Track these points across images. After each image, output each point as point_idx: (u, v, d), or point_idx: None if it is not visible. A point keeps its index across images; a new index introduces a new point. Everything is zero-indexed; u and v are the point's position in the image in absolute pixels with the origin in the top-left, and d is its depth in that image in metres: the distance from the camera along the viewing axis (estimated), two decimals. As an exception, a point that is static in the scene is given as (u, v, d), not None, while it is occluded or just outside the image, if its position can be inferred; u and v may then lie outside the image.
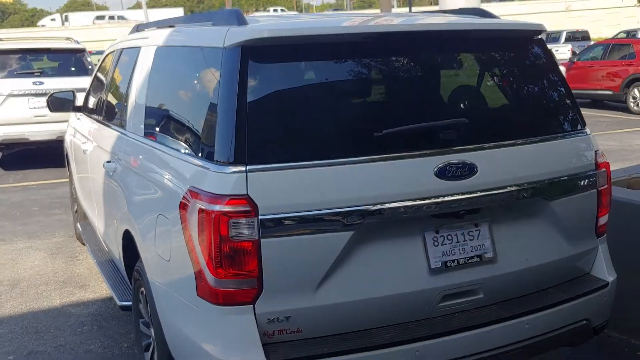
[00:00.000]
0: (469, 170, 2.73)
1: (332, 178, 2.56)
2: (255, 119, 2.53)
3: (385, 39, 2.80)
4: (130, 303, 3.72)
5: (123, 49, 4.43)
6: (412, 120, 2.76)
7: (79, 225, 5.79)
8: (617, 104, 15.65)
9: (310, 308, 2.58)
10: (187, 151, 2.89)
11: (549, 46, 3.74)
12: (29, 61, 10.31)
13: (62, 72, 10.22)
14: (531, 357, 3.09)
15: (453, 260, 2.76)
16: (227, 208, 2.45)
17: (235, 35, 2.66)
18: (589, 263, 3.18)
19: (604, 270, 3.17)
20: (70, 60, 10.32)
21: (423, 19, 3.47)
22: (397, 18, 3.37)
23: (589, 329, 3.08)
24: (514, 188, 2.83)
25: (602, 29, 44.91)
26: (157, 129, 3.38)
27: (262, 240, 2.48)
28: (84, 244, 5.70)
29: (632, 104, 15.06)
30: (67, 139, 6.00)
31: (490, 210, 2.84)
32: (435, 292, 2.74)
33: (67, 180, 6.47)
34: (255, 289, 2.51)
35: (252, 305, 2.52)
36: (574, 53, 22.02)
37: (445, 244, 2.76)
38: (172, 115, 3.33)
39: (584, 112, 3.29)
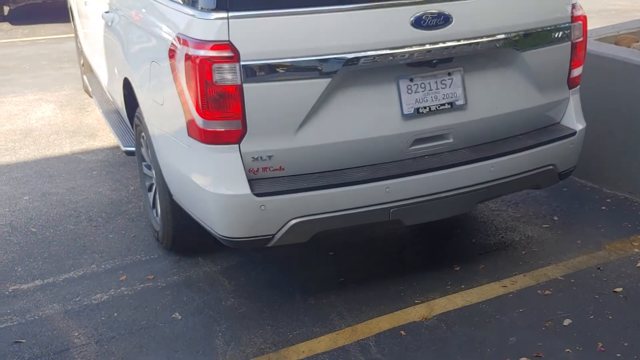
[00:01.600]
0: (444, 20, 2.86)
1: (312, 26, 2.71)
2: (238, -35, 2.64)
3: None
4: (133, 148, 3.99)
5: None
6: (391, -31, 2.86)
7: (85, 78, 5.99)
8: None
9: (291, 149, 2.83)
10: (178, 0, 3.02)
11: None
12: None
13: None
14: (496, 196, 3.37)
15: (425, 107, 2.96)
16: (210, 53, 2.63)
17: None
18: (559, 113, 3.37)
19: (574, 119, 3.37)
20: None
21: None
22: None
23: (554, 174, 3.33)
24: (487, 38, 2.97)
25: None
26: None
27: (244, 85, 2.67)
28: (91, 96, 5.93)
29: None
30: (70, -8, 6.06)
31: (463, 60, 2.99)
32: (407, 136, 2.96)
33: (73, 35, 6.59)
34: (240, 130, 2.74)
35: (237, 145, 2.77)
36: None
37: (419, 92, 2.95)
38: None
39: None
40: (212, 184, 2.83)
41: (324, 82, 2.75)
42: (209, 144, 2.78)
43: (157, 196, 3.58)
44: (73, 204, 4.31)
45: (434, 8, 2.84)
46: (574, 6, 3.20)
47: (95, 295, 3.33)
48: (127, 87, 3.72)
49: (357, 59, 2.76)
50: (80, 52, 6.20)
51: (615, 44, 4.40)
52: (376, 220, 2.97)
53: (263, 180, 2.85)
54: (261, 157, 2.81)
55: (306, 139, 2.82)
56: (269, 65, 2.68)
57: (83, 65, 6.17)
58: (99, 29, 4.44)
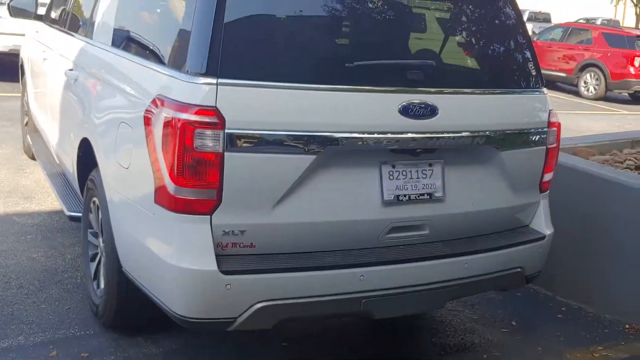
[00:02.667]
0: (430, 111, 2.84)
1: (301, 102, 2.62)
2: (232, 33, 2.56)
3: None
4: (79, 214, 3.73)
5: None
6: (383, 56, 2.84)
7: (29, 138, 5.69)
8: (569, 86, 16.10)
9: (266, 225, 2.67)
10: (156, 60, 2.90)
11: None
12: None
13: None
14: (467, 295, 3.27)
15: (405, 195, 2.88)
16: (194, 118, 2.49)
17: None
18: (529, 215, 3.35)
19: (543, 223, 3.36)
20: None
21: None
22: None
23: (521, 277, 3.27)
24: (469, 134, 2.96)
25: (565, 14, 45.66)
26: (126, 38, 3.37)
27: (226, 153, 2.53)
28: (32, 158, 5.62)
29: (582, 89, 15.53)
30: (24, 49, 5.85)
31: (445, 152, 2.96)
32: (385, 223, 2.86)
33: (17, 94, 6.32)
34: (214, 200, 2.57)
35: (209, 216, 2.59)
36: (533, 33, 22.39)
37: (400, 179, 2.87)
38: (143, 24, 3.31)
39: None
40: (174, 256, 2.62)
41: (308, 159, 2.64)
42: (178, 213, 2.59)
43: (102, 266, 3.31)
44: (2, 268, 3.96)
45: (422, 98, 2.81)
46: (550, 112, 3.26)
47: (22, 372, 2.98)
48: (84, 147, 3.50)
49: (344, 139, 2.68)
50: (25, 112, 5.92)
51: (573, 154, 4.52)
52: (347, 310, 2.81)
53: (232, 257, 2.66)
54: (233, 232, 2.63)
55: (282, 216, 2.67)
56: (253, 136, 2.56)
57: (27, 125, 5.88)
58: (57, 86, 4.24)
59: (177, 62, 2.69)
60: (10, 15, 5.32)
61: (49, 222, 4.73)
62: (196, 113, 2.49)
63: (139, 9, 3.44)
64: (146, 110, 2.72)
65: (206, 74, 2.52)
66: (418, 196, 2.91)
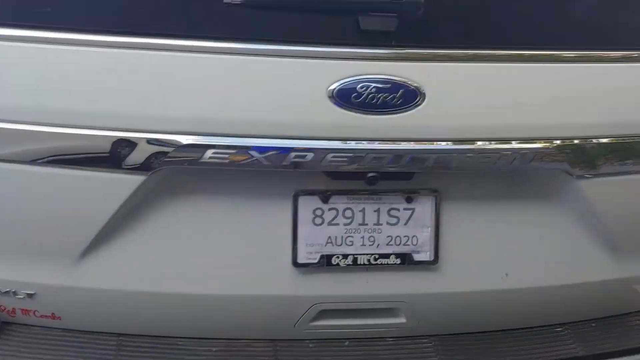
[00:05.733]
0: (407, 96, 1.40)
1: (116, 70, 1.37)
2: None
3: None
4: None
5: None
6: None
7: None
8: None
9: (69, 288, 1.52)
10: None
11: None
12: None
13: None
14: None
15: (346, 256, 1.51)
16: None
17: None
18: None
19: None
20: None
21: None
22: None
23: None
24: (505, 145, 1.45)
25: None
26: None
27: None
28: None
29: None
30: None
31: (442, 178, 1.51)
32: (303, 303, 1.54)
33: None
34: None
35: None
36: None
37: (337, 224, 1.51)
38: None
39: None
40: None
41: (130, 182, 1.41)
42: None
43: None
44: None
45: (388, 70, 1.38)
46: None
47: None
48: None
49: (205, 147, 1.38)
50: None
51: None
52: None
53: (26, 328, 1.58)
54: (15, 292, 1.53)
55: (97, 277, 1.51)
56: (25, 132, 1.38)
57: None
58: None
59: None
60: None
61: None
62: None
63: None
64: None
65: None
66: (377, 258, 1.52)
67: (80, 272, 1.50)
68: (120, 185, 1.41)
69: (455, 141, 1.43)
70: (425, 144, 1.43)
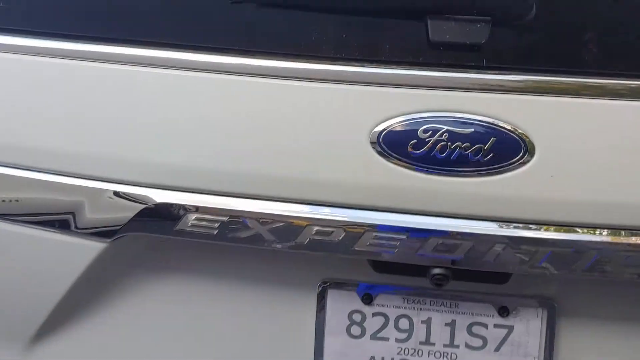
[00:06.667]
0: (504, 148, 0.86)
1: (63, 87, 0.96)
2: None
3: None
4: None
5: None
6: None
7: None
8: None
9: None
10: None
11: None
12: None
13: None
14: None
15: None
16: None
17: None
18: None
19: None
20: None
21: None
22: None
23: None
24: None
25: None
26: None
27: None
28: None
29: None
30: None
31: (557, 281, 0.94)
32: None
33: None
34: None
35: None
36: None
37: (386, 339, 0.98)
38: None
39: None
40: None
41: (88, 250, 0.99)
42: None
43: None
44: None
45: (466, 105, 0.86)
46: None
47: None
48: None
49: (185, 209, 0.93)
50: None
51: None
52: None
53: None
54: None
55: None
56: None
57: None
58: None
59: None
60: None
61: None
62: None
63: None
64: None
65: None
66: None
67: (34, 355, 1.10)
68: (76, 252, 0.99)
69: (588, 227, 0.87)
70: (534, 228, 0.87)
